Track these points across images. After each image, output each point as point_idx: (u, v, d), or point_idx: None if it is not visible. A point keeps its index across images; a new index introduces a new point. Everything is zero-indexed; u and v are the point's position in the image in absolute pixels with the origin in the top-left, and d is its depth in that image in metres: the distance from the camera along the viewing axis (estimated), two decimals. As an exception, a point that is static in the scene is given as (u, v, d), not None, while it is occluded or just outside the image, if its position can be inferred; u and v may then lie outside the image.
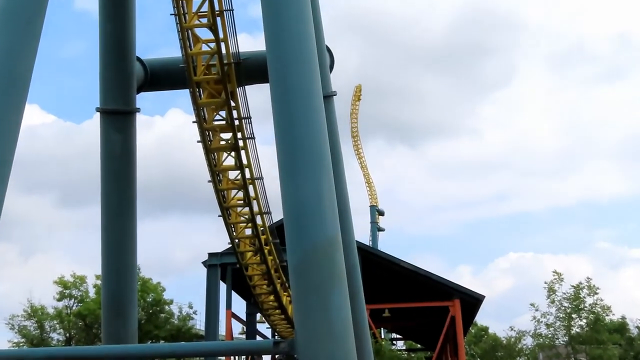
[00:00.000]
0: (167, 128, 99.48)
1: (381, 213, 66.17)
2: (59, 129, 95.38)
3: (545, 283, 24.62)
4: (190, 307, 40.62)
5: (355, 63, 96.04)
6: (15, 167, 8.92)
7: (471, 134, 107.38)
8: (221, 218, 15.82)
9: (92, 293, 38.16)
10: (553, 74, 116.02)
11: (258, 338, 31.15)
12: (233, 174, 14.90)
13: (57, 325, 38.27)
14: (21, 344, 36.77)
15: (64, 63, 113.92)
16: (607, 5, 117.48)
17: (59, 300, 38.45)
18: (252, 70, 12.98)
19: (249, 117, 13.61)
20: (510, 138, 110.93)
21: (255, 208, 16.08)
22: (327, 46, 15.11)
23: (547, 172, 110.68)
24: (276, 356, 30.50)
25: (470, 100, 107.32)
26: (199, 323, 40.84)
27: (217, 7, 11.70)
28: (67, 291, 38.53)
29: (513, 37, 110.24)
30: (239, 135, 13.78)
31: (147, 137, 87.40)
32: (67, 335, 37.93)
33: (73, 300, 38.83)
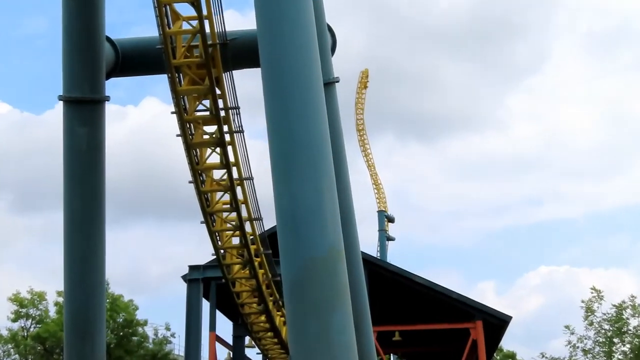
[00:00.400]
0: (141, 120, 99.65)
1: (391, 220, 66.24)
2: (15, 120, 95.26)
3: (582, 302, 24.64)
4: (168, 328, 40.70)
5: (361, 45, 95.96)
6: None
7: (498, 127, 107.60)
8: (204, 225, 15.83)
9: (52, 312, 38.18)
10: (594, 57, 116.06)
11: (247, 365, 31.14)
12: (218, 174, 14.90)
13: (12, 350, 38.27)
14: (-30, 372, 36.78)
15: (21, 43, 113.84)
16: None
17: (14, 320, 38.44)
18: (240, 52, 12.99)
19: (237, 107, 13.60)
20: (544, 132, 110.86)
21: (244, 213, 16.08)
22: (328, 25, 15.13)
23: (587, 172, 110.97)
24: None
25: (497, 88, 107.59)
26: (178, 347, 40.88)
27: (200, -22, 11.70)
28: (24, 310, 38.50)
29: (547, 14, 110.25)
30: (226, 128, 13.77)
31: (118, 130, 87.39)
32: (24, 361, 37.92)
33: (30, 320, 38.82)
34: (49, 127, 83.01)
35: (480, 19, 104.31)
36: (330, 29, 15.32)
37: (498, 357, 46.13)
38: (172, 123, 13.58)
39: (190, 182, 14.62)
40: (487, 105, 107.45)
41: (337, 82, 15.12)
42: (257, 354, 30.79)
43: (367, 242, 64.90)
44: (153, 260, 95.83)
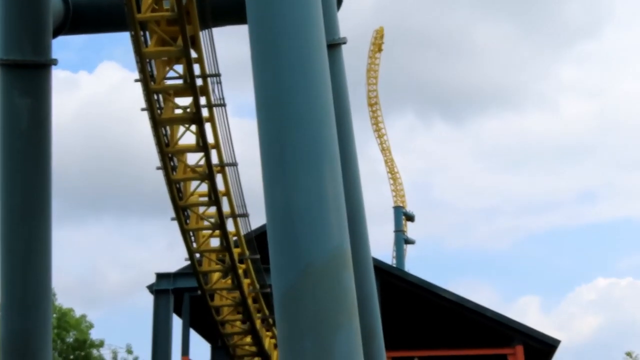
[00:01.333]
0: (96, 90, 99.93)
1: (410, 218, 66.41)
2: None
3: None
4: (129, 351, 41.05)
5: (371, 2, 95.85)
6: None
7: (542, 104, 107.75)
8: (175, 222, 15.86)
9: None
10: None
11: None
12: (193, 158, 14.92)
13: None
14: None
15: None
16: None
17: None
18: (222, 5, 12.99)
19: (218, 75, 13.61)
20: (601, 111, 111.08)
21: (226, 208, 16.12)
22: (333, -28, 15.12)
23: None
24: None
25: (542, 56, 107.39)
26: (142, 375, 41.15)
27: None
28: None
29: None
30: (203, 100, 13.78)
31: (67, 102, 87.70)
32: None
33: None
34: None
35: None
36: (335, -24, 15.31)
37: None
38: (136, 94, 13.60)
39: (158, 168, 14.64)
40: (530, 76, 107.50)
41: (344, 43, 15.12)
42: (241, 384, 30.93)
43: (381, 246, 65.22)
44: (111, 266, 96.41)
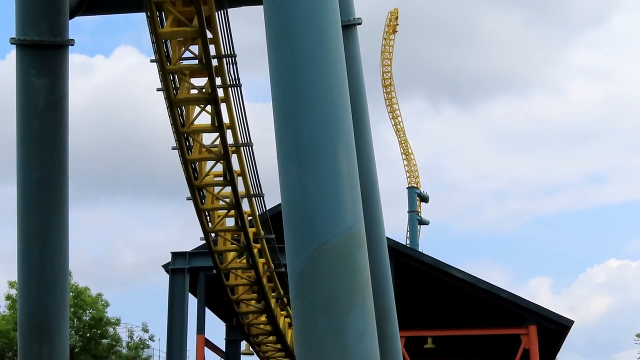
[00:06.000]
0: (113, 73, 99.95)
1: (424, 199, 66.30)
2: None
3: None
4: (145, 330, 41.19)
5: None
6: None
7: (552, 88, 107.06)
8: (191, 202, 15.92)
9: (3, 307, 38.76)
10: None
11: (243, 376, 31.52)
12: (209, 138, 14.94)
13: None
14: None
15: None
16: None
17: (-43, 317, 39.12)
18: (237, -15, 12.94)
19: (233, 55, 13.59)
20: (609, 95, 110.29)
21: (241, 188, 16.15)
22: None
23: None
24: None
25: (552, 41, 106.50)
26: (158, 353, 41.42)
27: None
28: (-32, 304, 39.18)
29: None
30: (218, 81, 13.78)
31: (84, 86, 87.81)
32: (-30, 366, 38.64)
33: (-23, 317, 39.45)
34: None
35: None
36: (351, -43, 15.21)
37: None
38: (152, 76, 13.61)
39: (174, 148, 14.68)
40: (539, 61, 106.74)
41: (359, 24, 15.04)
42: (256, 362, 31.10)
43: (395, 226, 65.20)
44: (127, 247, 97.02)
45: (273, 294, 20.70)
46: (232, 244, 17.92)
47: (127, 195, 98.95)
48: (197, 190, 15.68)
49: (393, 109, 66.36)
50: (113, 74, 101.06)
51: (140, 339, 40.97)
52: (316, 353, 8.39)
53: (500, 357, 32.09)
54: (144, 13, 12.79)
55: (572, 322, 30.34)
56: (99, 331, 39.09)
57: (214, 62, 13.41)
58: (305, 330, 8.50)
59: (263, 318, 21.74)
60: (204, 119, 14.44)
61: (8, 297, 37.68)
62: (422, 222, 65.49)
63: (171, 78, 13.59)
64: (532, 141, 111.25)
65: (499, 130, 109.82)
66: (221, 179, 15.69)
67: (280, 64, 8.99)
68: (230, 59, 13.61)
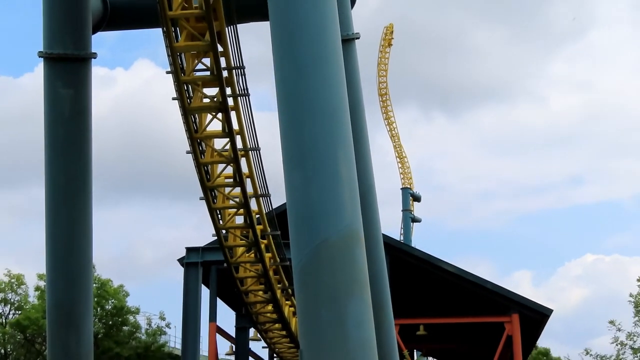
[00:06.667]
0: (132, 84, 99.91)
1: (417, 198, 66.18)
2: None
3: (631, 296, 24.61)
4: (162, 318, 41.12)
5: (377, 3, 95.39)
6: None
7: (534, 98, 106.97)
8: (204, 202, 15.88)
9: (32, 297, 38.71)
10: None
11: (251, 360, 31.47)
12: (220, 143, 14.90)
13: (-10, 338, 38.95)
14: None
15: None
16: None
17: (-9, 306, 39.11)
18: (246, 3, 12.90)
19: (242, 67, 13.54)
20: (587, 104, 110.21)
21: (249, 188, 16.10)
22: (348, -28, 14.96)
23: (635, 148, 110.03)
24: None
25: (534, 54, 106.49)
26: (174, 339, 41.46)
27: None
28: (1, 295, 39.11)
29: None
30: (229, 91, 13.73)
31: (105, 96, 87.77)
32: (2, 351, 38.57)
33: (9, 306, 39.44)
34: (27, 92, 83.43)
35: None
36: (350, -23, 15.16)
37: (533, 354, 46.36)
38: (168, 87, 13.57)
39: (188, 152, 14.62)
40: (522, 73, 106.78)
41: (358, 38, 14.98)
42: (263, 347, 30.99)
43: (390, 224, 65.03)
44: (145, 243, 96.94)
45: (279, 286, 20.65)
46: (241, 239, 17.88)
47: (145, 196, 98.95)
48: (209, 191, 15.64)
49: (388, 116, 66.24)
50: (132, 85, 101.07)
51: (157, 326, 40.95)
52: (318, 340, 8.35)
53: (485, 343, 32.06)
54: (161, 29, 12.77)
55: (551, 311, 30.28)
56: (120, 319, 39.06)
57: (225, 74, 13.37)
58: (308, 319, 8.46)
59: (269, 307, 21.69)
60: (215, 125, 14.40)
61: (37, 288, 37.66)
62: (415, 220, 65.40)
63: (185, 88, 13.54)
64: (516, 146, 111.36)
65: (485, 136, 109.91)
66: (231, 180, 15.64)
67: (285, 75, 8.94)
68: (239, 70, 13.56)
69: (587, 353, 35.08)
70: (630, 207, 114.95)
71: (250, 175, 15.89)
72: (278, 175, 9.38)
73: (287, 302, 22.12)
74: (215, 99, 13.79)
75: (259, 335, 27.41)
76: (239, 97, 13.97)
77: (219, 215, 16.70)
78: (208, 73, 13.42)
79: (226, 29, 12.97)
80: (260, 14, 11.75)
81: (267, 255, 18.88)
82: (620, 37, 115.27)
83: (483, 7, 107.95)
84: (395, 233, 62.21)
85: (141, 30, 15.87)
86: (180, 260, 27.10)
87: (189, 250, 26.62)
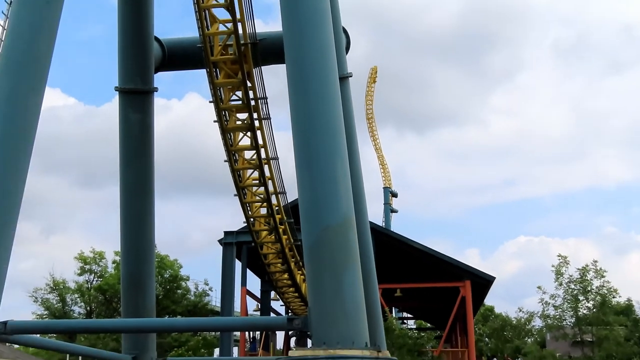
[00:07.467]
0: (184, 111, 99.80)
1: (394, 194, 66.02)
2: (80, 111, 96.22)
3: (553, 266, 24.51)
4: (206, 283, 41.10)
5: (365, 50, 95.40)
6: (36, 148, 8.93)
7: (479, 122, 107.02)
8: (237, 197, 15.84)
9: (110, 268, 38.70)
10: (560, 64, 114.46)
11: (272, 315, 31.37)
12: (249, 154, 14.86)
13: (78, 298, 38.94)
14: (44, 316, 37.47)
15: (85, 46, 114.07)
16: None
17: (80, 275, 39.12)
18: (268, 50, 12.84)
19: (265, 98, 13.52)
20: (518, 126, 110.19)
21: (270, 188, 16.06)
22: (343, 27, 14.88)
23: (554, 159, 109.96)
24: (289, 332, 30.74)
25: (480, 90, 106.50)
26: (215, 299, 41.38)
27: (234, -13, 11.57)
28: (87, 266, 39.13)
29: (521, 28, 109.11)
30: (255, 115, 13.71)
31: (164, 119, 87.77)
32: (88, 308, 38.57)
33: (93, 275, 39.44)
34: (107, 117, 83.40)
35: (464, 30, 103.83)
36: (345, 31, 15.08)
37: (481, 311, 46.13)
38: (210, 114, 13.52)
39: (225, 161, 14.61)
40: (470, 103, 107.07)
41: (350, 76, 14.88)
42: (281, 305, 31.01)
43: (375, 214, 64.82)
44: (193, 228, 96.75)
45: (292, 260, 20.62)
46: (264, 225, 17.85)
47: (193, 193, 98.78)
48: (241, 189, 15.61)
49: (373, 134, 66.09)
50: (183, 112, 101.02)
51: (202, 290, 40.93)
52: (322, 300, 8.28)
53: (445, 302, 31.93)
54: (205, 69, 12.75)
55: (494, 278, 30.16)
56: (175, 284, 39.04)
57: (252, 102, 13.34)
58: (315, 284, 8.39)
59: (285, 276, 21.66)
60: (245, 141, 14.38)
61: (114, 262, 37.70)
62: (393, 211, 65.28)
63: (223, 113, 13.53)
64: (466, 157, 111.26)
65: (444, 149, 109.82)
66: (257, 181, 15.62)
67: (298, 104, 8.88)
68: (263, 100, 13.53)
69: (520, 310, 35.03)
70: (548, 202, 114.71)
71: (271, 178, 15.87)
72: (292, 178, 9.35)
73: (298, 271, 22.10)
74: (245, 121, 13.77)
75: (278, 297, 27.38)
76: (263, 120, 13.94)
77: (248, 207, 16.67)
78: (240, 102, 13.40)
79: (253, 69, 12.95)
80: (279, 59, 11.68)
81: (284, 237, 18.86)
82: (541, 78, 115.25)
83: (440, 55, 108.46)
84: (379, 220, 62.06)
85: (191, 70, 15.79)
86: (220, 241, 27.07)
87: (226, 233, 26.59)
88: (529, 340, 38.39)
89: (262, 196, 16.17)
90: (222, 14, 12.20)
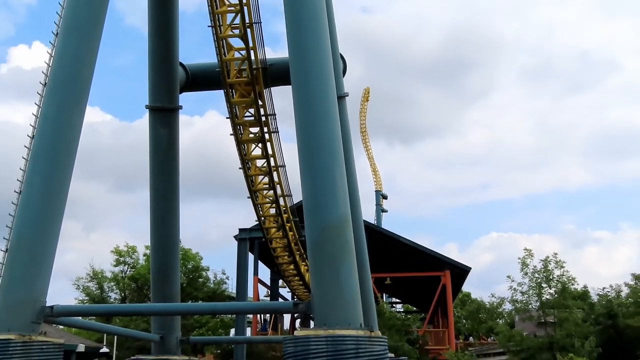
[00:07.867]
0: (205, 126, 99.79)
1: (385, 197, 65.87)
2: (116, 126, 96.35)
3: (519, 258, 24.54)
4: (224, 273, 40.96)
5: (359, 73, 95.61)
6: (78, 158, 9.01)
7: (458, 134, 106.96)
8: (250, 199, 15.85)
9: (142, 260, 38.65)
10: (528, 85, 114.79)
11: (280, 300, 31.37)
12: (260, 162, 14.87)
13: (114, 286, 38.95)
14: (85, 301, 37.47)
15: (120, 71, 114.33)
16: (570, 29, 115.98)
17: (115, 266, 39.12)
18: (277, 74, 12.90)
19: (274, 114, 13.56)
20: (492, 137, 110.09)
21: (279, 191, 16.07)
22: (340, 53, 14.96)
23: (523, 166, 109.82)
24: (295, 315, 30.68)
25: (459, 106, 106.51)
26: (231, 287, 41.20)
27: (247, 20, 11.65)
28: (122, 259, 39.13)
29: (494, 54, 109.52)
30: (265, 129, 13.74)
31: (188, 133, 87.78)
32: (122, 294, 38.55)
33: (127, 266, 39.43)
34: (138, 131, 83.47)
35: (446, 56, 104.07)
36: (342, 57, 15.15)
37: (460, 296, 46.09)
38: (227, 128, 13.52)
39: (240, 168, 14.62)
40: (450, 119, 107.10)
41: (347, 96, 14.97)
42: (288, 292, 30.96)
43: (367, 214, 64.67)
44: (212, 226, 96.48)
45: (297, 253, 20.60)
46: (273, 223, 17.84)
47: (213, 196, 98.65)
48: (253, 193, 15.61)
49: (367, 145, 65.87)
50: (204, 126, 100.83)
51: (220, 278, 40.85)
52: (323, 287, 8.28)
53: (428, 289, 31.91)
54: (223, 90, 12.78)
55: (470, 268, 30.15)
56: (197, 274, 38.97)
57: (263, 118, 13.37)
58: (317, 274, 8.39)
59: (292, 267, 21.63)
60: (257, 151, 14.39)
61: (145, 255, 37.65)
62: (384, 211, 65.06)
63: (238, 127, 13.54)
64: (447, 164, 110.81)
65: (427, 158, 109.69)
66: (267, 186, 15.62)
67: (302, 120, 8.90)
68: (272, 116, 13.56)
69: (493, 296, 35.01)
70: (519, 203, 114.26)
71: (279, 183, 15.87)
72: (297, 183, 9.35)
73: (302, 263, 22.08)
74: (257, 134, 13.79)
75: (285, 285, 27.34)
76: (272, 133, 13.96)
77: (260, 208, 16.67)
78: (253, 118, 13.43)
79: (264, 90, 12.98)
80: (286, 81, 11.72)
81: (290, 233, 18.84)
82: (511, 96, 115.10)
83: (425, 77, 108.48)
84: (371, 219, 61.78)
85: (211, 91, 15.83)
86: (235, 237, 27.06)
87: (241, 230, 26.56)
88: (500, 321, 38.41)
89: (271, 198, 16.18)
90: (237, 42, 12.27)
